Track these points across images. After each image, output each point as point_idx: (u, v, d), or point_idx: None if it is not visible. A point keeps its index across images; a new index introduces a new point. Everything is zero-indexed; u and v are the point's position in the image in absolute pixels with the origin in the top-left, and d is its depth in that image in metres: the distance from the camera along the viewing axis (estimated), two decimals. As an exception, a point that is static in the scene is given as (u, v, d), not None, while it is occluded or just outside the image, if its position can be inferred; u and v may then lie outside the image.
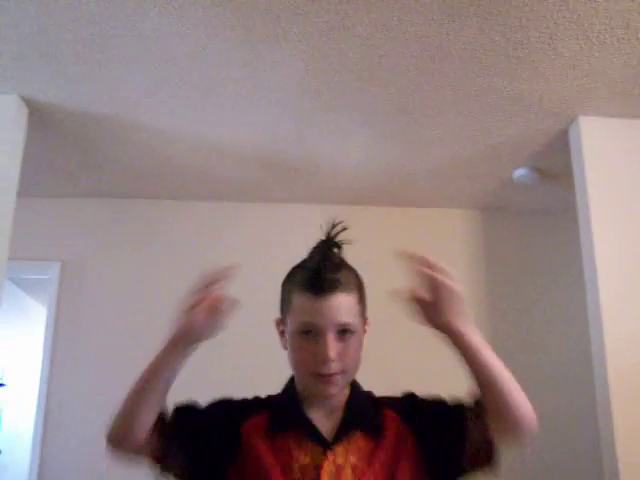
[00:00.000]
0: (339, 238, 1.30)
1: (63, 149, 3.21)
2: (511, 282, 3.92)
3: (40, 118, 2.88)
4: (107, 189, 3.74)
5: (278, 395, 1.37)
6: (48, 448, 3.45)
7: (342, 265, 1.27)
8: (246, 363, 3.56)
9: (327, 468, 1.20)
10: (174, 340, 1.34)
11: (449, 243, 3.96)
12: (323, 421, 1.27)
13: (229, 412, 1.32)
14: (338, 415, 1.28)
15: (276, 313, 1.37)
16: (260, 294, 3.65)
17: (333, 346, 1.20)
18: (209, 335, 1.33)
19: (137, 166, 3.42)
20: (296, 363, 1.27)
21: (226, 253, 3.79)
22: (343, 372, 1.23)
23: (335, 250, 1.29)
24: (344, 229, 1.30)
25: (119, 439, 1.28)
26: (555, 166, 3.33)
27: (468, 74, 2.53)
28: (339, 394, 1.28)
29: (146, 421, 1.26)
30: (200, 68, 2.51)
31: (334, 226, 1.30)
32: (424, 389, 1.35)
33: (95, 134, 3.06)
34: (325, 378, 1.22)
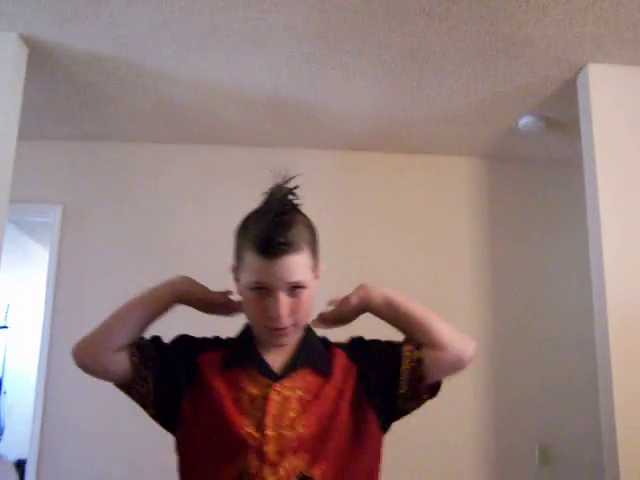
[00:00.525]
0: (291, 185, 1.32)
1: (64, 90, 3.17)
2: (514, 231, 3.91)
3: (40, 58, 2.83)
4: (109, 132, 3.71)
5: (237, 336, 1.45)
6: (52, 388, 3.50)
7: (293, 222, 1.28)
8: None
9: (274, 398, 1.28)
10: (176, 286, 1.52)
11: (452, 190, 3.94)
12: (275, 358, 1.35)
13: (189, 345, 1.43)
14: (289, 353, 1.37)
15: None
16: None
17: (284, 303, 1.26)
18: (203, 307, 1.48)
19: (139, 109, 3.39)
20: (249, 315, 1.35)
21: (229, 197, 3.78)
22: (295, 324, 1.31)
23: (288, 201, 1.30)
24: (293, 177, 1.33)
25: (86, 352, 1.40)
26: (562, 115, 3.29)
27: (477, 19, 2.48)
28: (293, 341, 1.37)
29: (116, 341, 1.38)
30: (204, 8, 2.46)
31: (286, 176, 1.33)
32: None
33: (97, 75, 3.02)
34: (277, 331, 1.30)
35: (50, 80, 3.06)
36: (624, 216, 2.71)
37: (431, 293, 3.72)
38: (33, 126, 3.53)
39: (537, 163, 3.97)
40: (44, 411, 3.48)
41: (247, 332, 1.41)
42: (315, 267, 1.34)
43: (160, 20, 2.54)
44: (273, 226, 1.24)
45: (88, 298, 3.60)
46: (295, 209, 1.32)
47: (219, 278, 3.71)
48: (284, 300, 1.26)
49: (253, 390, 1.30)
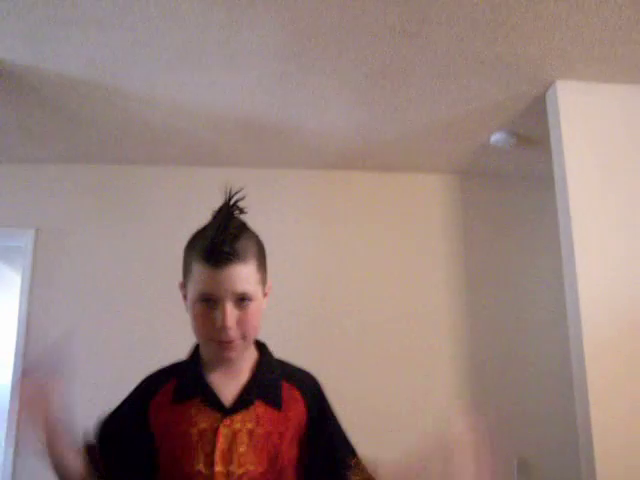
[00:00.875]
0: (239, 204, 1.32)
1: (36, 113, 3.15)
2: (488, 246, 3.95)
3: (11, 80, 2.81)
4: (82, 154, 3.69)
5: (184, 361, 1.41)
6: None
7: (241, 234, 1.27)
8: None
9: (223, 431, 1.25)
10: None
11: (426, 207, 3.97)
12: (225, 384, 1.31)
13: (138, 398, 1.38)
14: (242, 379, 1.33)
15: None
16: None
17: (230, 315, 1.23)
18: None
19: (112, 131, 3.37)
20: (196, 329, 1.30)
21: (206, 218, 3.76)
22: (242, 338, 1.27)
23: (235, 216, 1.30)
24: (242, 197, 1.32)
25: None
26: (533, 130, 3.34)
27: (447, 37, 2.51)
28: (240, 358, 1.32)
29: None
30: (176, 30, 2.46)
31: (232, 193, 1.32)
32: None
33: (69, 97, 3.00)
34: (224, 344, 1.26)
35: (21, 102, 3.04)
36: (595, 229, 2.74)
37: (407, 309, 3.74)
38: (4, 149, 3.50)
39: (509, 178, 4.02)
40: (17, 438, 3.41)
41: (195, 356, 1.38)
42: (263, 282, 1.32)
43: (132, 41, 2.54)
44: (219, 235, 1.24)
45: (61, 325, 3.55)
46: (241, 223, 1.32)
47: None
48: (230, 310, 1.23)
49: (202, 424, 1.27)
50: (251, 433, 1.26)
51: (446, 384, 3.68)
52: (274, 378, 1.35)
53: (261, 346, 1.41)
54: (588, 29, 2.46)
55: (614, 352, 2.62)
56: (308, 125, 3.30)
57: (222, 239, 1.24)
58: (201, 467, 1.23)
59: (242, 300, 1.25)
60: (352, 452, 1.38)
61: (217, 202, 4.17)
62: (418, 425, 3.55)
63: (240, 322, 1.25)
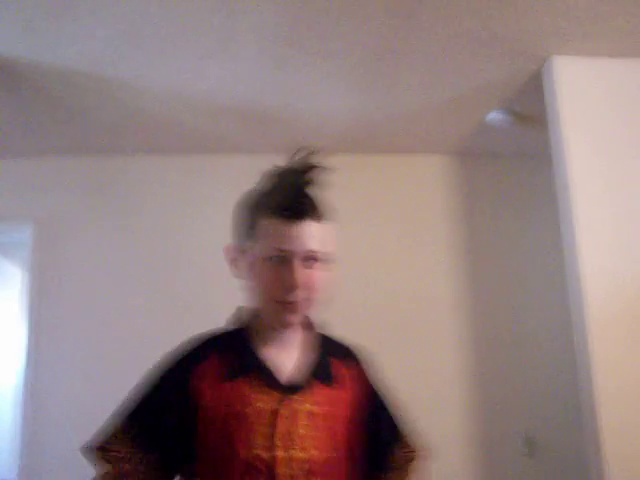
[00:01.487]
0: (312, 159, 1.27)
1: (31, 105, 3.13)
2: (488, 226, 3.95)
3: (7, 73, 2.80)
4: (79, 146, 3.68)
5: (226, 332, 1.32)
6: (30, 409, 3.45)
7: (314, 192, 1.24)
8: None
9: (283, 412, 1.18)
10: None
11: (424, 188, 3.97)
12: (279, 361, 1.24)
13: (174, 377, 1.26)
14: (294, 356, 1.27)
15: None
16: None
17: (300, 273, 1.19)
18: None
19: (109, 121, 3.36)
20: (259, 290, 1.24)
21: (203, 206, 3.77)
22: (307, 300, 1.22)
23: (307, 176, 1.25)
24: (312, 152, 1.27)
25: None
26: (529, 108, 3.33)
27: (441, 16, 2.50)
28: (295, 328, 1.28)
29: None
30: (169, 16, 2.45)
31: (303, 152, 1.27)
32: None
33: (64, 89, 2.99)
34: (288, 306, 1.21)
35: (17, 95, 3.02)
36: (595, 205, 2.74)
37: (409, 292, 3.74)
38: (1, 142, 3.49)
39: (507, 157, 4.02)
40: (25, 430, 3.43)
41: (242, 328, 1.29)
42: (332, 246, 1.28)
43: (126, 30, 2.53)
44: (298, 189, 1.22)
45: (65, 316, 3.56)
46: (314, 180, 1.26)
47: (201, 291, 3.68)
48: (300, 269, 1.19)
49: (259, 404, 1.18)
50: (311, 414, 1.20)
51: (451, 364, 3.69)
52: (324, 355, 1.30)
53: (309, 320, 1.34)
54: (582, 3, 2.45)
55: (616, 328, 2.63)
56: (305, 109, 3.29)
57: (300, 192, 1.21)
58: (260, 451, 1.15)
59: (312, 260, 1.21)
60: (405, 426, 1.40)
61: (217, 189, 4.16)
62: (424, 406, 3.56)
63: (307, 283, 1.20)
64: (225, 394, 1.20)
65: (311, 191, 1.23)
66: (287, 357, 1.25)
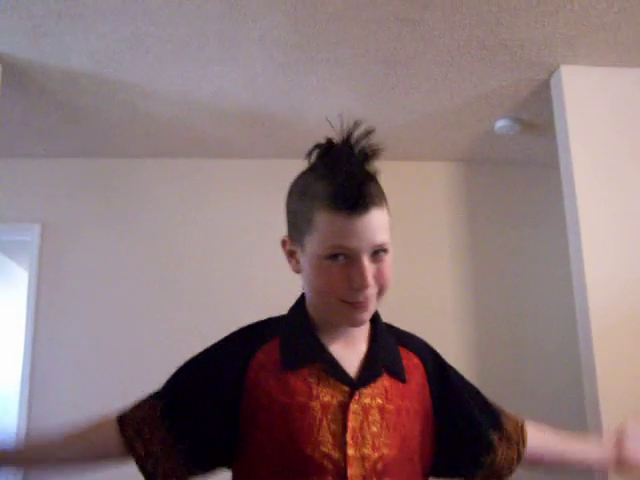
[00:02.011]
0: (366, 141, 1.10)
1: (39, 107, 3.15)
2: (494, 233, 3.94)
3: (14, 75, 2.81)
4: (86, 148, 3.68)
5: (288, 319, 1.18)
6: (34, 409, 3.45)
7: (374, 173, 1.09)
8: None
9: (354, 408, 1.04)
10: None
11: (432, 195, 3.96)
12: (344, 353, 1.11)
13: (224, 364, 1.13)
14: (360, 348, 1.13)
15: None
16: (250, 252, 3.67)
17: (370, 271, 1.03)
18: None
19: (117, 124, 3.37)
20: (321, 289, 1.07)
21: (210, 211, 3.78)
22: (378, 295, 1.08)
23: (369, 145, 1.09)
24: (371, 131, 1.10)
25: None
26: (537, 117, 3.32)
27: (450, 24, 2.50)
28: (368, 319, 1.12)
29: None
30: (177, 21, 2.46)
31: (357, 126, 1.10)
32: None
33: (72, 91, 3.00)
34: (358, 305, 1.05)
35: (25, 97, 3.04)
36: (602, 213, 2.74)
37: (413, 297, 3.73)
38: (9, 144, 3.50)
39: (514, 165, 4.01)
40: (27, 431, 3.43)
41: (301, 316, 1.15)
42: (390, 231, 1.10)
43: (133, 34, 2.54)
44: (358, 176, 1.03)
45: (69, 318, 3.57)
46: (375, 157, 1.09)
47: (204, 293, 3.67)
48: (369, 266, 1.03)
49: (326, 397, 1.04)
50: (382, 410, 1.06)
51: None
52: (392, 345, 1.17)
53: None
54: (592, 13, 2.44)
55: (621, 335, 2.62)
56: (312, 115, 3.29)
57: (361, 179, 1.03)
58: (329, 449, 1.01)
59: (379, 252, 1.04)
60: (491, 402, 1.26)
61: (223, 193, 4.16)
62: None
63: (377, 278, 1.05)
64: (287, 384, 1.06)
65: (371, 173, 1.08)
66: (354, 350, 1.12)
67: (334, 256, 1.03)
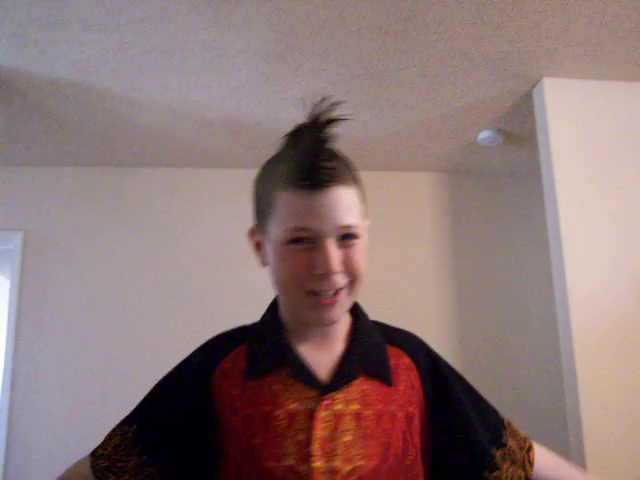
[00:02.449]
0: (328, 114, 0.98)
1: (23, 115, 3.13)
2: (476, 243, 3.96)
3: (-3, 83, 2.80)
4: (70, 157, 3.67)
5: (259, 323, 1.09)
6: (15, 416, 3.42)
7: (337, 152, 1.00)
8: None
9: (322, 415, 0.94)
10: None
11: (415, 206, 3.98)
12: (317, 355, 1.01)
13: (189, 374, 1.06)
14: (337, 349, 1.03)
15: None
16: (233, 261, 3.65)
17: (336, 256, 0.93)
18: None
19: (101, 133, 3.36)
20: (284, 280, 0.97)
21: (194, 220, 3.77)
22: (349, 288, 0.98)
23: (327, 132, 0.96)
24: (334, 104, 0.98)
25: None
26: (520, 128, 3.35)
27: (433, 36, 2.51)
28: (342, 316, 1.02)
29: None
30: (161, 31, 2.45)
31: (321, 102, 0.99)
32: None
33: (56, 100, 2.99)
34: (326, 298, 0.95)
35: (8, 105, 3.02)
36: (583, 225, 2.76)
37: (396, 307, 3.74)
38: (-9, 152, 3.49)
39: (497, 176, 4.04)
40: (8, 438, 3.39)
41: (272, 318, 1.06)
42: (364, 216, 1.02)
43: (117, 43, 2.53)
44: (317, 150, 0.94)
45: (51, 329, 3.55)
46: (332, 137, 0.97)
47: (188, 301, 3.66)
48: (335, 250, 0.93)
49: (292, 404, 0.95)
50: (358, 417, 0.95)
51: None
52: (376, 343, 1.05)
53: (354, 306, 1.07)
54: (574, 26, 2.47)
55: (603, 346, 2.64)
56: (295, 126, 3.29)
57: (319, 153, 0.94)
58: (293, 462, 0.91)
59: (348, 237, 0.95)
60: (495, 412, 1.14)
61: (207, 203, 4.17)
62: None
63: (346, 264, 0.95)
64: (252, 393, 0.97)
65: (335, 149, 0.98)
66: (329, 351, 1.02)
67: (296, 240, 0.93)
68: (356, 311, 1.08)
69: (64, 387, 3.46)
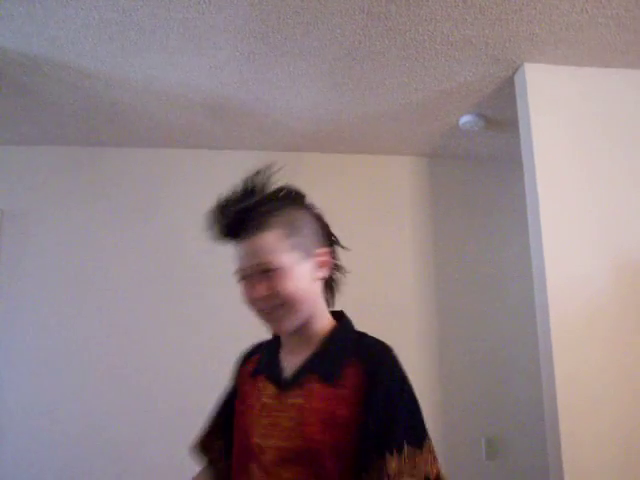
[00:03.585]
0: (260, 178, 1.33)
1: (0, 93, 3.08)
2: (457, 228, 3.98)
3: (-27, 60, 2.75)
4: (48, 136, 3.63)
5: (272, 338, 1.47)
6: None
7: (259, 204, 1.29)
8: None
9: (276, 405, 1.27)
10: None
11: (395, 190, 3.98)
12: (290, 359, 1.33)
13: (236, 368, 1.50)
14: (306, 354, 1.32)
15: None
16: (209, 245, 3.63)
17: (252, 288, 1.27)
18: None
19: (79, 112, 3.32)
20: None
21: (174, 202, 3.75)
22: (280, 307, 1.27)
23: (255, 186, 1.32)
24: (267, 172, 1.34)
25: None
26: (501, 113, 3.36)
27: (415, 18, 2.50)
28: (290, 327, 1.31)
29: None
30: (142, 9, 2.42)
31: (258, 172, 1.34)
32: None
33: (33, 77, 2.94)
34: (267, 316, 1.29)
35: (-17, 82, 2.97)
36: (563, 210, 2.77)
37: (375, 293, 3.75)
38: (-33, 130, 3.43)
39: (478, 160, 4.05)
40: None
41: (277, 336, 1.44)
42: (298, 248, 1.29)
43: (97, 20, 2.49)
44: (228, 211, 1.29)
45: (28, 305, 3.52)
46: (261, 191, 1.32)
47: (167, 284, 3.63)
48: (256, 284, 1.26)
49: (265, 398, 1.30)
50: (300, 409, 1.23)
51: (414, 365, 3.71)
52: (338, 351, 1.30)
53: (339, 316, 1.41)
54: (555, 12, 2.47)
55: (581, 335, 2.65)
56: (277, 107, 3.28)
57: (232, 213, 1.28)
58: (257, 440, 1.26)
59: (267, 271, 1.25)
60: (398, 442, 1.18)
61: (187, 183, 4.14)
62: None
63: (270, 292, 1.25)
64: (249, 388, 1.37)
65: (251, 204, 1.28)
66: (299, 357, 1.32)
67: (240, 278, 1.30)
68: (341, 321, 1.39)
69: (40, 370, 3.44)
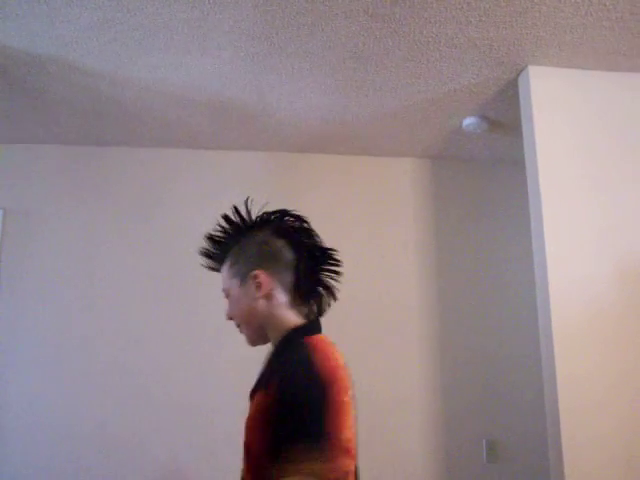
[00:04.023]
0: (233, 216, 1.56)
1: (4, 92, 3.09)
2: (459, 230, 3.97)
3: (-22, 59, 2.76)
4: (52, 135, 3.63)
5: None
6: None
7: (218, 243, 1.57)
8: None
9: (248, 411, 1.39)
10: None
11: (398, 191, 3.98)
12: (263, 369, 1.47)
13: None
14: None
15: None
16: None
17: (227, 308, 1.55)
18: None
19: (85, 111, 3.32)
20: None
21: (177, 201, 3.75)
22: (240, 325, 1.53)
23: (225, 225, 1.56)
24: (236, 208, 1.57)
25: None
26: (504, 115, 3.35)
27: (419, 20, 2.50)
28: (252, 341, 1.54)
29: None
30: (146, 8, 2.42)
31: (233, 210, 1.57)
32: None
33: (38, 76, 2.95)
34: (239, 331, 1.55)
35: (-12, 81, 2.98)
36: (566, 212, 2.77)
37: (378, 293, 3.75)
38: (-29, 129, 3.44)
39: (481, 162, 4.05)
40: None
41: None
42: (237, 274, 1.51)
43: (102, 19, 2.50)
44: (205, 254, 1.60)
45: (31, 304, 3.52)
46: (228, 228, 1.56)
47: (176, 283, 3.64)
48: (225, 304, 1.56)
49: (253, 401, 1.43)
50: (249, 415, 1.36)
51: (415, 367, 3.71)
52: (274, 366, 1.42)
53: (289, 332, 1.46)
54: (560, 15, 2.47)
55: (583, 335, 2.65)
56: (280, 107, 3.29)
57: (207, 250, 1.58)
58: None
59: (227, 297, 1.55)
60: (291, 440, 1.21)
61: (191, 183, 4.13)
62: (385, 407, 3.58)
63: (230, 313, 1.54)
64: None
65: (211, 248, 1.58)
66: (265, 369, 1.46)
67: None
68: (282, 341, 1.45)
69: (42, 370, 3.45)
